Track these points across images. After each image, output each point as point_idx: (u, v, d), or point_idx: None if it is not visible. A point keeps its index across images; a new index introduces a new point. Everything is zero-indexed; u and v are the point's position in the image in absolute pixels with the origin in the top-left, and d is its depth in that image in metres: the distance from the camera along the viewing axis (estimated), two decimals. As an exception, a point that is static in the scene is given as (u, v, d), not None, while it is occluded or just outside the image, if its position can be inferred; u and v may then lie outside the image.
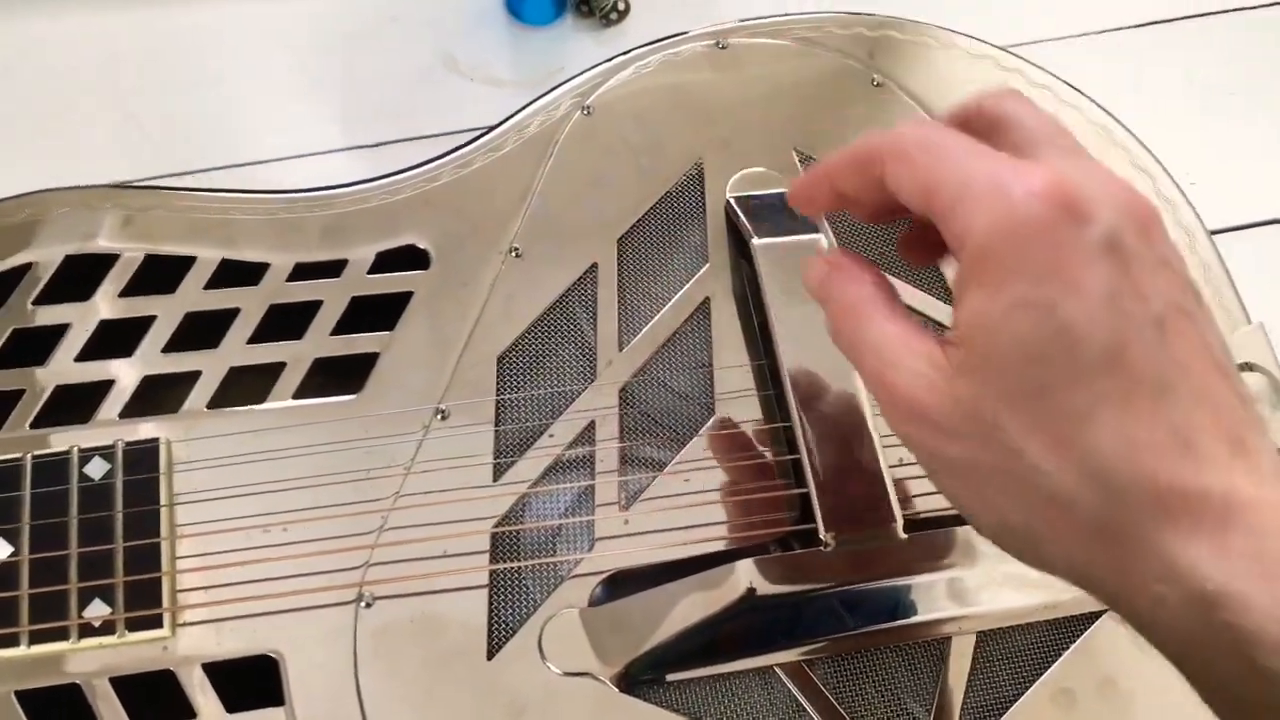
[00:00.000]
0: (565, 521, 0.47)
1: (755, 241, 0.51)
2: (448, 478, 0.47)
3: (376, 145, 0.64)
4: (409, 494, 0.47)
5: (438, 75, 0.67)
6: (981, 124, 0.34)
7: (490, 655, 0.45)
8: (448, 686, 0.44)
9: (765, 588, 0.46)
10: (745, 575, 0.46)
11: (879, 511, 0.46)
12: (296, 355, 0.49)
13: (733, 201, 0.53)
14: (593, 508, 0.48)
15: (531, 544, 0.47)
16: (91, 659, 0.43)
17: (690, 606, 0.46)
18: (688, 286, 0.52)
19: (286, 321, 0.50)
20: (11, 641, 0.43)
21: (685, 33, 0.58)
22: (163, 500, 0.45)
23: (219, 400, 0.48)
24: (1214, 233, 0.55)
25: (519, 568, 0.46)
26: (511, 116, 0.55)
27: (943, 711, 0.46)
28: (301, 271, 0.51)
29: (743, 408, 0.50)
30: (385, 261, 0.51)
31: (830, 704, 0.46)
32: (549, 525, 0.47)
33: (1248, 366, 0.52)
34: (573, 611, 0.46)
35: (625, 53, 0.57)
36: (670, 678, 0.46)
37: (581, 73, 0.56)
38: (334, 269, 0.51)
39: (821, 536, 0.46)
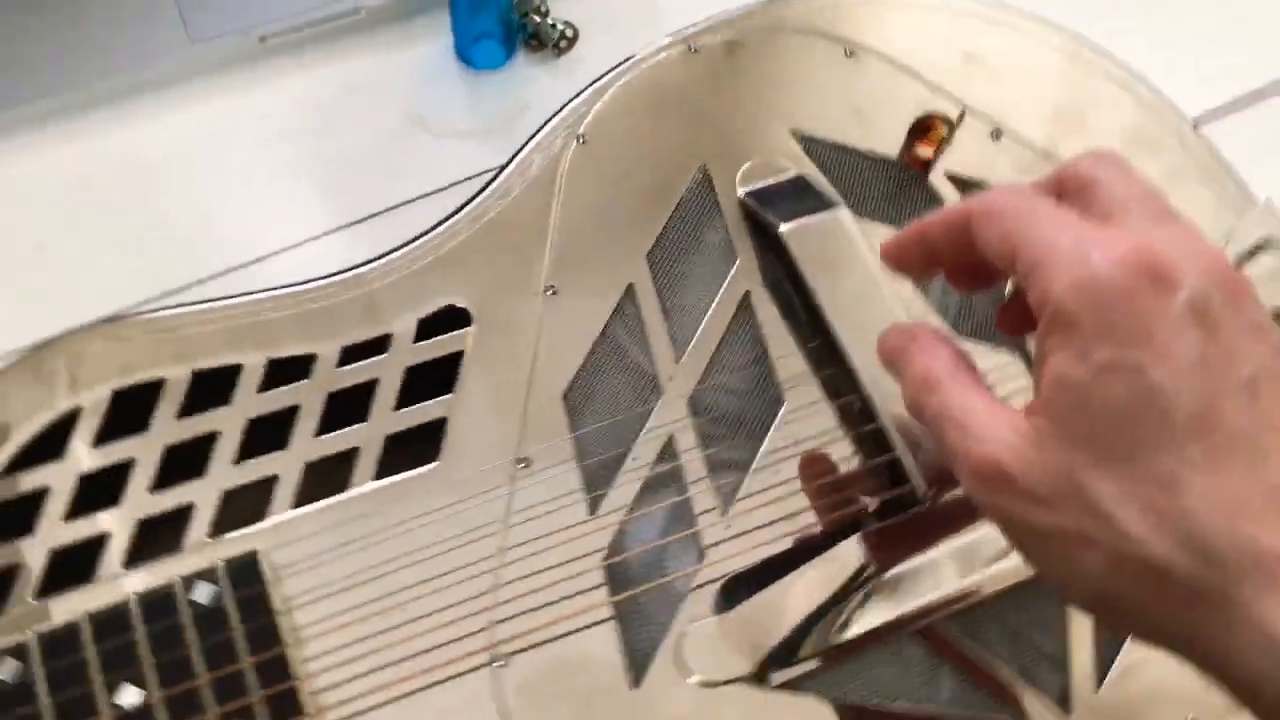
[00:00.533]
0: (671, 538, 0.48)
1: (783, 228, 0.51)
2: (547, 523, 0.47)
3: (365, 219, 0.64)
4: (514, 546, 0.47)
5: (406, 137, 0.67)
6: (1073, 186, 0.35)
7: (635, 684, 0.45)
8: (603, 723, 0.45)
9: (878, 560, 0.47)
10: (856, 552, 0.47)
11: (970, 458, 0.47)
12: (367, 437, 0.49)
13: (746, 196, 0.54)
14: (694, 519, 0.48)
15: (644, 567, 0.47)
16: (249, 782, 0.43)
17: (813, 593, 0.47)
18: (725, 286, 0.53)
19: (348, 407, 0.49)
20: (166, 783, 0.42)
21: (642, 49, 0.58)
22: (276, 608, 0.45)
23: (302, 498, 0.48)
24: (1201, 120, 0.57)
25: (639, 594, 0.47)
26: (512, 159, 0.55)
27: (1072, 639, 0.48)
28: (349, 355, 0.50)
29: (806, 392, 0.51)
30: (428, 327, 0.51)
31: (963, 656, 0.47)
32: (656, 546, 0.48)
33: (1262, 246, 0.54)
34: (703, 623, 0.46)
35: (598, 78, 0.58)
36: (809, 665, 0.46)
37: (565, 104, 0.57)
38: (379, 345, 0.51)
39: (920, 495, 0.47)
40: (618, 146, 0.56)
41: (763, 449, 0.50)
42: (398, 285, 0.52)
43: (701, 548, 0.48)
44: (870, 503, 0.49)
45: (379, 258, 0.52)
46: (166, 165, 0.64)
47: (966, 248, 0.35)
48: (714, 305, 0.52)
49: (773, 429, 0.50)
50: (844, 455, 0.50)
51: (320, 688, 0.44)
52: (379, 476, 0.48)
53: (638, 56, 0.58)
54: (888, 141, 0.56)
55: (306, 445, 0.49)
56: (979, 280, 0.39)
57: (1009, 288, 0.43)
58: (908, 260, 0.39)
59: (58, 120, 0.65)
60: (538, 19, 0.68)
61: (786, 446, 0.50)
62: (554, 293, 0.52)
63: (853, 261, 0.51)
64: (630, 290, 0.52)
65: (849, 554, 0.47)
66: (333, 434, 0.49)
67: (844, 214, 0.52)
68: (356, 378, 0.50)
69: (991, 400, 0.34)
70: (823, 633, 0.47)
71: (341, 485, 0.48)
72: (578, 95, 0.57)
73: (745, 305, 0.53)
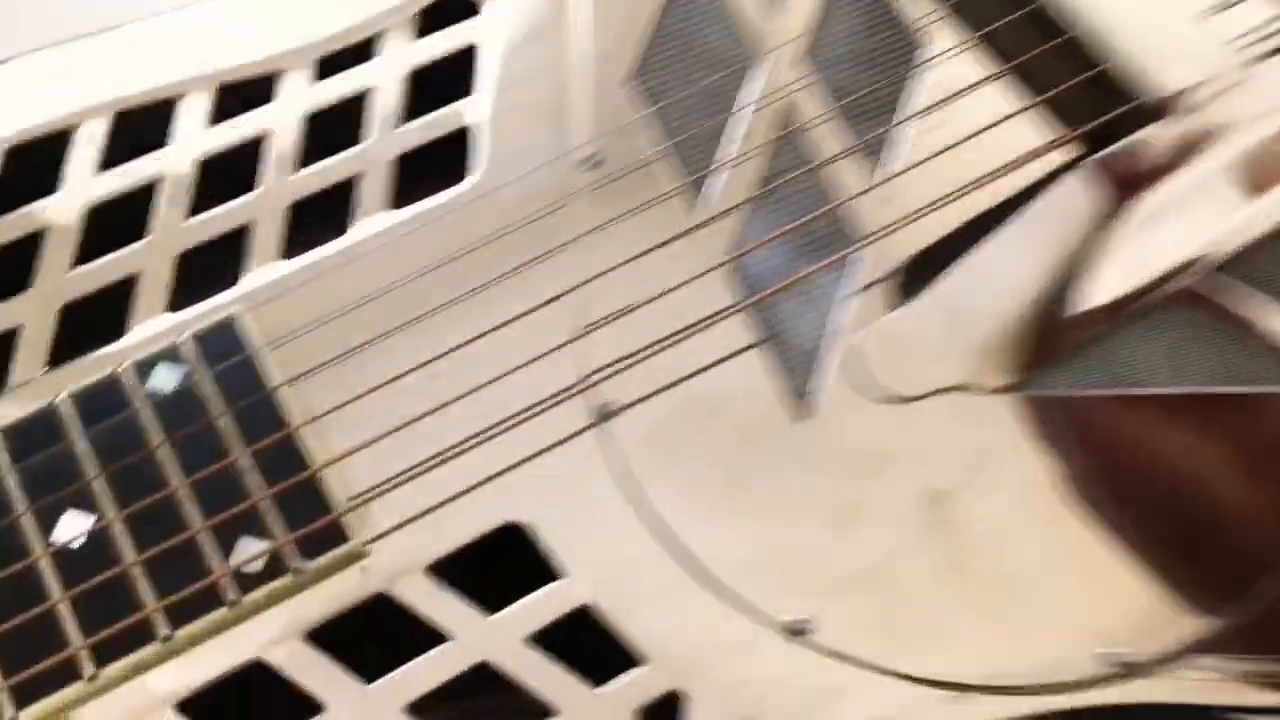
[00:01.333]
0: (813, 219, 0.34)
1: None
2: (638, 227, 0.34)
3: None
4: (597, 276, 0.33)
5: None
6: None
7: (801, 415, 0.31)
8: (768, 470, 0.31)
9: (1110, 200, 0.34)
10: (1078, 194, 0.33)
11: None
12: (369, 160, 0.35)
13: None
14: (839, 191, 0.34)
15: (783, 263, 0.34)
16: (269, 620, 0.29)
17: (1032, 258, 0.33)
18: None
19: (338, 129, 0.36)
20: (146, 637, 0.28)
21: None
22: (272, 383, 0.31)
23: (293, 248, 0.34)
24: None
25: (782, 295, 0.33)
26: None
27: None
28: (328, 66, 0.37)
29: (942, 34, 0.37)
30: (428, 19, 0.37)
31: (1234, 319, 0.33)
32: (795, 228, 0.34)
33: None
34: (884, 322, 0.32)
35: None
36: (1036, 357, 0.32)
37: None
38: (364, 51, 0.37)
39: (1150, 103, 0.34)
40: None
41: (908, 97, 0.36)
42: (377, -23, 0.38)
43: (858, 231, 0.34)
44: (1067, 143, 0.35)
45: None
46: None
47: None
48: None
49: (913, 79, 0.36)
50: (997, 109, 0.36)
51: (361, 487, 0.30)
52: (397, 207, 0.34)
53: None
54: None
55: (284, 183, 0.35)
56: None
57: None
58: None
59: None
60: None
61: (941, 88, 0.36)
62: (587, -45, 0.38)
63: None
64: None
65: (1069, 199, 0.33)
66: (322, 164, 0.35)
67: None
68: (341, 91, 0.36)
69: None
70: (1050, 312, 0.33)
71: (342, 226, 0.34)
72: None
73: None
